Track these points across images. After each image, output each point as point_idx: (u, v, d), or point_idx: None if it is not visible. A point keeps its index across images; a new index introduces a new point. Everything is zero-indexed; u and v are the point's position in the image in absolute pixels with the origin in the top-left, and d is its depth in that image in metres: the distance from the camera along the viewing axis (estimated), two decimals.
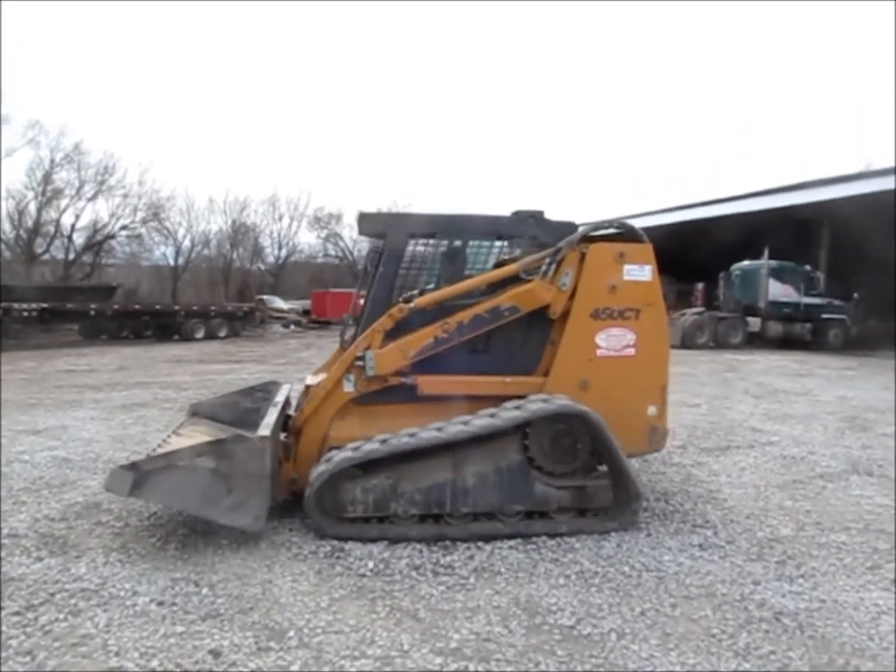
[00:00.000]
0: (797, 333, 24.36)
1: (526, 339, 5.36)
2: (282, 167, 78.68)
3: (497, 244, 5.77)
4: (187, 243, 48.84)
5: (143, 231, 44.43)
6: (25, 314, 24.26)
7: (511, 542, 4.71)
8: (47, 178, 38.91)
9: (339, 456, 4.73)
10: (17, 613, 3.71)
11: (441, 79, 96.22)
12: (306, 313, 37.35)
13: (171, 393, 11.81)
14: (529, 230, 5.53)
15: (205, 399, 7.09)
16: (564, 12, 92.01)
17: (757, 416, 9.85)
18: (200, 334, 27.75)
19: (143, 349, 22.56)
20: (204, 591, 3.97)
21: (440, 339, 5.17)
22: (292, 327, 35.01)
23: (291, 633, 3.53)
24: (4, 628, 3.55)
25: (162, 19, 75.08)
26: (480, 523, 4.87)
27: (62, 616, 3.68)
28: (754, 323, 25.02)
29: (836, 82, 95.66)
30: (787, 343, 23.92)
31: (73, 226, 40.70)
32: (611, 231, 5.45)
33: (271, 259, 53.69)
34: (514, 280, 5.26)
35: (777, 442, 8.08)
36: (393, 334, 5.19)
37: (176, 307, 29.06)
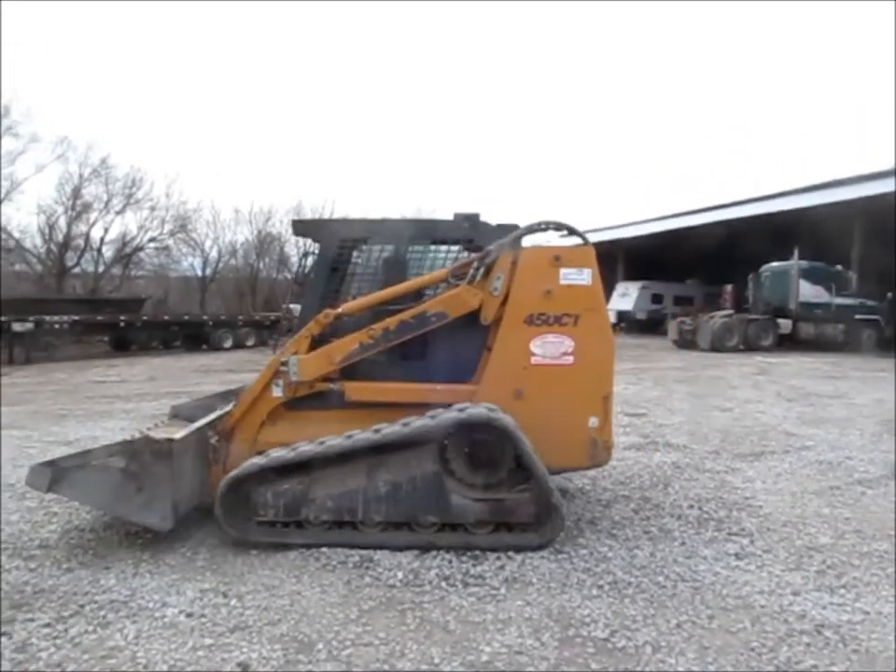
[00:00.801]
0: (829, 335, 23.99)
1: (464, 346, 5.21)
2: (305, 177, 79.21)
3: (443, 248, 5.58)
4: (214, 253, 49.25)
5: (170, 242, 44.87)
6: (57, 326, 24.57)
7: (543, 552, 4.63)
8: (76, 193, 39.43)
9: (249, 461, 4.80)
10: (48, 625, 3.70)
11: (459, 85, 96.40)
12: None
13: None
14: (465, 232, 5.40)
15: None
16: (565, 13, 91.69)
17: (791, 420, 9.67)
18: (228, 343, 27.97)
19: (172, 359, 22.79)
20: (233, 602, 3.94)
21: (365, 345, 5.11)
22: None
23: (320, 645, 3.49)
24: (34, 640, 3.55)
25: (185, 31, 76.08)
26: (391, 532, 4.78)
27: (91, 628, 3.67)
28: (785, 325, 24.67)
29: (839, 80, 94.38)
30: (819, 345, 23.56)
31: (102, 239, 41.20)
32: (552, 232, 5.27)
33: (297, 268, 53.90)
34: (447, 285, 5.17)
35: (812, 447, 7.91)
36: (323, 340, 5.20)
37: (204, 317, 29.32)
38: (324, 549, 4.63)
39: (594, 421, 4.99)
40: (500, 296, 5.05)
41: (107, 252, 42.40)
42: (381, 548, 4.66)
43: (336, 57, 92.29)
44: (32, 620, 3.76)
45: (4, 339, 23.29)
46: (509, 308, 5.05)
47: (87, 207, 40.83)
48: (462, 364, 5.19)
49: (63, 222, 39.92)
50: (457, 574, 4.31)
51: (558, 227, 5.20)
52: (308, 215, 52.34)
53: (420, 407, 4.91)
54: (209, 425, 5.36)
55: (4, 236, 39.36)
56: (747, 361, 19.50)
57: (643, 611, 3.83)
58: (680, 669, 3.26)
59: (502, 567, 4.41)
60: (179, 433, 4.96)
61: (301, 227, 5.83)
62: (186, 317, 28.92)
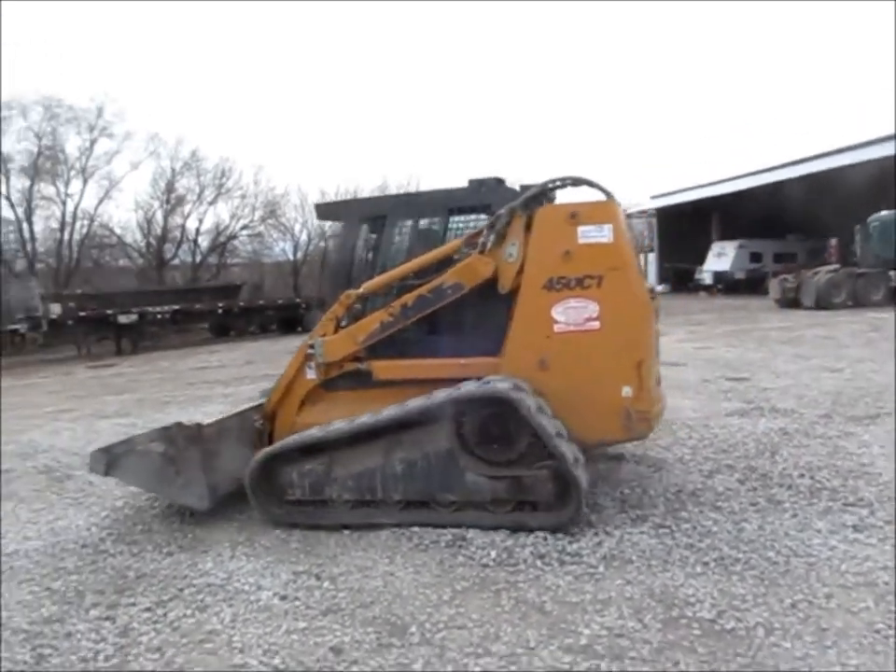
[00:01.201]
0: None
1: (490, 317, 4.97)
2: (389, 154, 79.63)
3: (461, 217, 5.32)
4: (303, 237, 50.22)
5: (262, 229, 45.99)
6: (159, 316, 25.61)
7: (643, 527, 4.43)
8: (169, 187, 40.84)
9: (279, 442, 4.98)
10: (148, 609, 3.78)
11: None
12: None
13: None
14: (484, 198, 5.07)
15: None
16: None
17: None
18: None
19: (268, 342, 23.39)
20: (325, 584, 3.92)
21: (385, 323, 5.03)
22: None
23: (413, 628, 3.41)
24: (135, 625, 3.63)
25: (265, 17, 77.32)
26: (410, 511, 4.70)
27: (189, 612, 3.72)
28: None
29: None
30: None
31: (197, 230, 42.60)
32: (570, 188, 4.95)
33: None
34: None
35: None
36: (351, 320, 5.22)
37: (298, 300, 29.94)
38: (415, 528, 4.56)
39: (627, 390, 4.61)
40: (517, 262, 4.76)
41: (203, 242, 43.80)
42: (400, 526, 4.64)
43: (413, 34, 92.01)
44: (133, 604, 3.85)
45: (111, 331, 24.51)
46: (526, 274, 4.76)
47: (181, 200, 42.25)
48: (490, 336, 4.93)
49: (159, 216, 41.47)
50: (553, 552, 4.16)
51: (575, 182, 4.87)
52: (393, 192, 52.82)
53: (450, 382, 4.73)
54: (255, 408, 5.52)
55: (106, 233, 41.26)
56: (856, 318, 18.41)
57: (753, 590, 3.58)
58: (797, 654, 3.02)
59: (599, 544, 4.23)
60: (213, 418, 5.32)
61: (324, 210, 5.79)
62: (280, 301, 29.63)
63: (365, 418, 4.71)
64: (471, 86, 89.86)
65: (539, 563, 4.04)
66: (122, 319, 24.36)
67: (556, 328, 4.68)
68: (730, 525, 4.39)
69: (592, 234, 4.61)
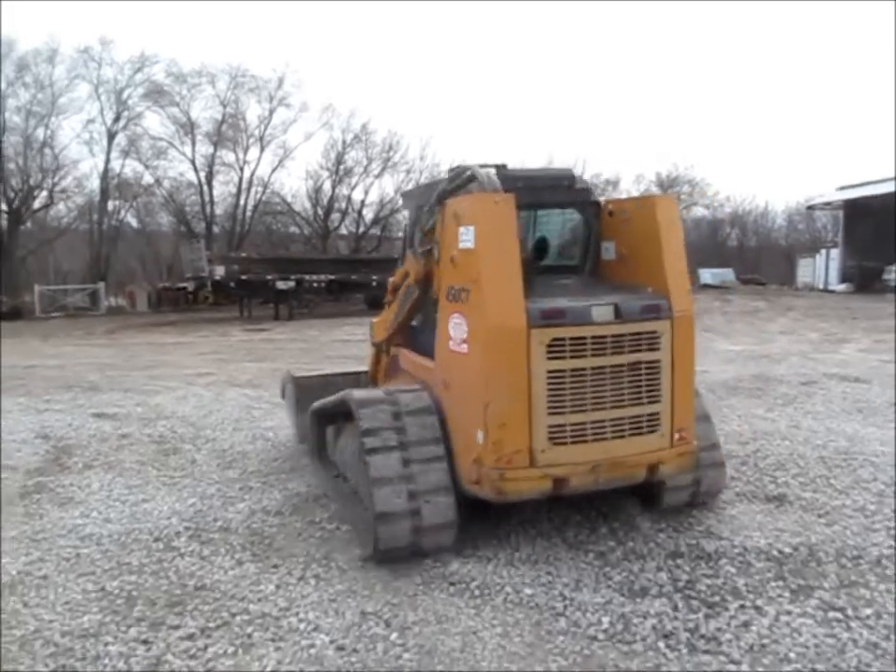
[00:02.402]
0: None
1: None
2: (555, 132, 77.79)
3: None
4: None
5: None
6: (315, 285, 26.09)
7: (809, 606, 3.40)
8: (339, 158, 41.70)
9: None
10: (190, 637, 3.25)
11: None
12: None
13: None
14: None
15: None
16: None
17: None
18: None
19: None
20: (394, 636, 3.22)
21: (395, 314, 4.99)
22: None
23: None
24: (170, 656, 3.11)
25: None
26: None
27: (231, 649, 3.14)
28: None
29: None
30: None
31: (362, 202, 43.39)
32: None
33: None
34: None
35: None
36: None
37: None
38: (516, 577, 3.77)
39: (479, 436, 3.75)
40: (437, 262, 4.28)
41: (368, 214, 44.60)
42: None
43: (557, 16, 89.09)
44: (178, 626, 3.34)
45: (271, 295, 25.24)
46: (436, 279, 4.30)
47: (349, 171, 43.12)
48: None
49: (327, 186, 42.54)
50: (682, 630, 3.23)
51: (459, 174, 4.10)
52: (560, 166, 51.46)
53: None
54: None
55: (277, 200, 42.86)
56: None
57: None
58: None
59: (746, 625, 3.26)
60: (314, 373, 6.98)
61: (403, 199, 5.99)
62: None
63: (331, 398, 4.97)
64: (639, 68, 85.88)
65: (661, 644, 3.14)
66: (280, 285, 24.98)
67: (450, 344, 4.04)
68: None
69: (464, 238, 3.86)
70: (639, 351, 3.82)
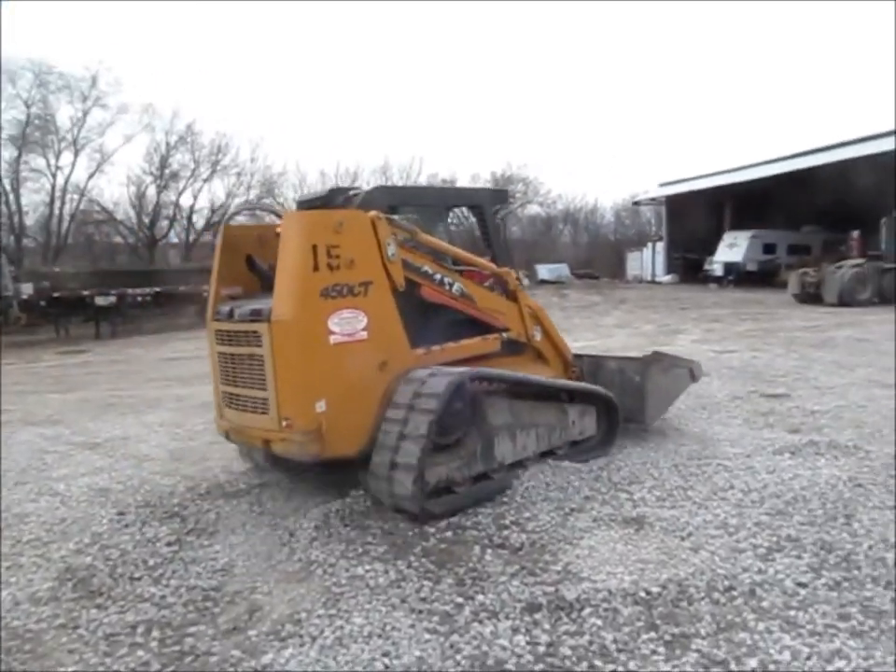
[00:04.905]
0: None
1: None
2: (391, 134, 77.73)
3: None
4: None
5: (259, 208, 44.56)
6: (140, 298, 24.18)
7: (688, 663, 2.92)
8: (163, 162, 39.37)
9: None
10: None
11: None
12: None
13: None
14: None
15: None
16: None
17: None
18: None
19: None
20: None
21: None
22: None
23: None
24: None
25: None
26: None
27: None
28: None
29: None
30: None
31: (191, 207, 41.19)
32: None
33: None
34: None
35: None
36: None
37: None
38: (346, 666, 3.06)
39: None
40: None
41: (198, 221, 42.44)
42: None
43: (425, 15, 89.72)
44: None
45: (90, 313, 23.05)
46: None
47: (175, 176, 40.81)
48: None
49: (152, 192, 40.03)
50: None
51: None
52: (395, 174, 51.17)
53: None
54: None
55: (96, 208, 39.81)
56: (887, 317, 16.86)
57: None
58: None
59: None
60: None
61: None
62: None
63: None
64: (473, 69, 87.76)
65: None
66: (100, 301, 22.96)
67: None
68: (815, 658, 2.91)
69: None
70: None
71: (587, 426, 5.74)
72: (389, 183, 49.79)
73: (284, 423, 4.49)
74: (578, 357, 6.38)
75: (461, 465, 4.79)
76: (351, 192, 5.47)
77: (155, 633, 3.40)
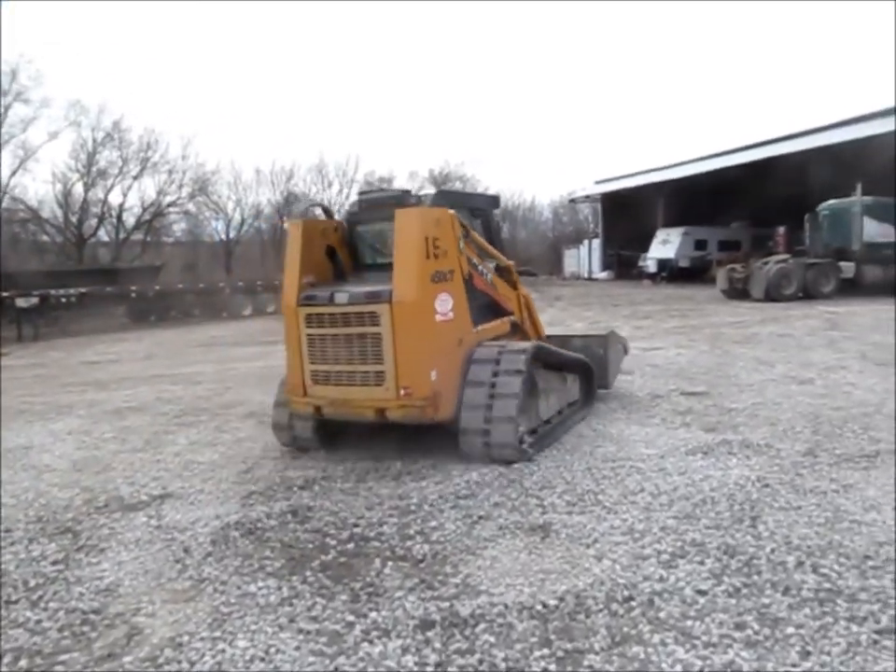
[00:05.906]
0: None
1: None
2: (326, 133, 76.95)
3: None
4: (237, 216, 47.80)
5: (191, 206, 43.57)
6: (64, 300, 23.37)
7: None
8: (90, 159, 38.23)
9: None
10: None
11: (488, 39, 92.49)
12: None
13: (179, 390, 10.24)
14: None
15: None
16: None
17: None
18: (247, 311, 26.65)
19: (184, 331, 21.47)
20: None
21: None
22: None
23: None
24: None
25: None
26: None
27: None
28: (847, 268, 22.38)
29: None
30: (887, 290, 20.88)
31: (121, 206, 40.11)
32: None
33: None
34: None
35: None
36: None
37: (221, 284, 27.93)
38: None
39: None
40: None
41: (129, 219, 41.35)
42: None
43: (359, 13, 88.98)
44: None
45: (9, 316, 22.14)
46: None
47: (102, 173, 39.69)
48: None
49: (79, 189, 38.84)
50: None
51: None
52: (331, 172, 50.65)
53: None
54: None
55: (20, 207, 38.43)
56: (810, 312, 17.34)
57: None
58: None
59: None
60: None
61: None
62: (201, 286, 27.56)
63: None
64: (410, 66, 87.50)
65: None
66: (21, 302, 22.11)
67: None
68: None
69: None
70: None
71: (577, 389, 7.05)
72: (326, 181, 49.25)
73: (402, 392, 5.23)
74: (549, 336, 7.46)
75: (526, 419, 5.73)
76: (422, 195, 6.38)
77: (23, 662, 3.18)
